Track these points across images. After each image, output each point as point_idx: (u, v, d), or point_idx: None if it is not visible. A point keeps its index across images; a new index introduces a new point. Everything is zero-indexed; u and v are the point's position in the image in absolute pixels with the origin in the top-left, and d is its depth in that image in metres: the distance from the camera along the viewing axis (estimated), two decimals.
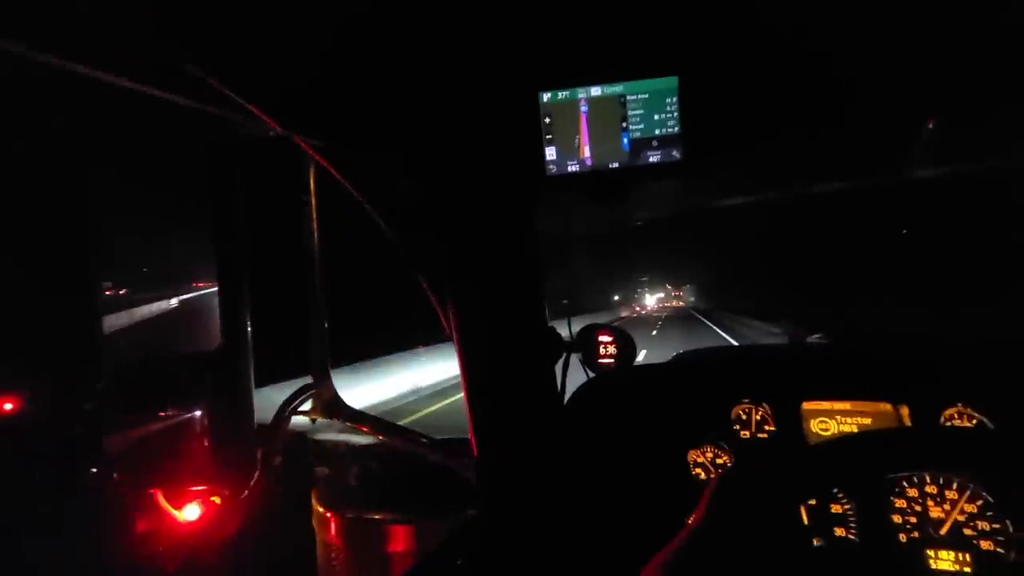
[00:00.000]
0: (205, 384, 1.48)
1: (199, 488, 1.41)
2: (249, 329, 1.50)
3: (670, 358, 1.62)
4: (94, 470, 1.60)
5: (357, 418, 1.50)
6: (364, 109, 0.90)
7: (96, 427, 1.67)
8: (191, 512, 1.41)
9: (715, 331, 17.58)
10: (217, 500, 1.44)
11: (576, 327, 1.16)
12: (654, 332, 19.48)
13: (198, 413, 1.50)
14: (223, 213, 1.51)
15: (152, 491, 1.42)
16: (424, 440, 1.37)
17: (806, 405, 0.97)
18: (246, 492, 1.43)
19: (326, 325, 1.67)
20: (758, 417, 1.00)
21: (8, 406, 2.19)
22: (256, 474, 1.44)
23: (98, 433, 1.59)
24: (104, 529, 1.49)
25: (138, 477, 1.44)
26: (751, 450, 0.98)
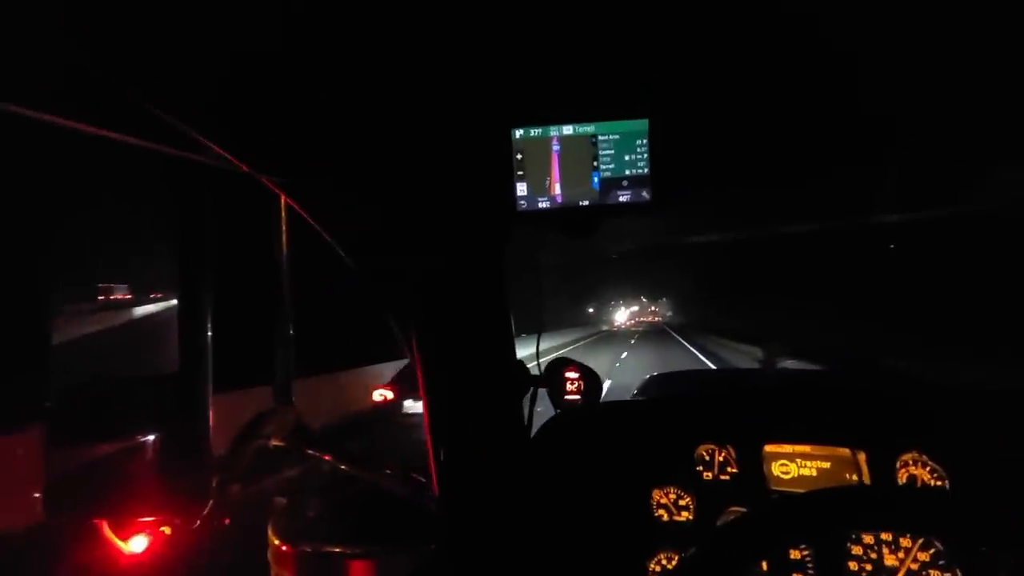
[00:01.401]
0: (160, 407, 1.41)
1: (147, 519, 1.34)
2: (210, 351, 1.45)
3: (644, 379, 1.63)
4: (36, 495, 1.50)
5: (319, 445, 1.46)
6: (333, 144, 0.88)
7: (41, 449, 1.57)
8: (137, 543, 1.34)
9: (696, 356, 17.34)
10: (167, 530, 1.37)
11: (558, 341, 1.16)
12: (624, 355, 18.92)
13: (150, 438, 1.43)
14: (189, 228, 1.46)
15: (96, 521, 1.34)
16: (389, 472, 1.33)
17: (768, 448, 0.98)
18: (198, 522, 1.37)
19: (292, 346, 1.62)
20: (721, 458, 1.00)
21: None
22: (210, 503, 1.38)
23: (42, 457, 1.50)
24: (42, 562, 1.40)
25: (82, 506, 1.36)
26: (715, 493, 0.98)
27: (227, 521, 1.26)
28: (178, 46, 0.68)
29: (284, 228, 1.61)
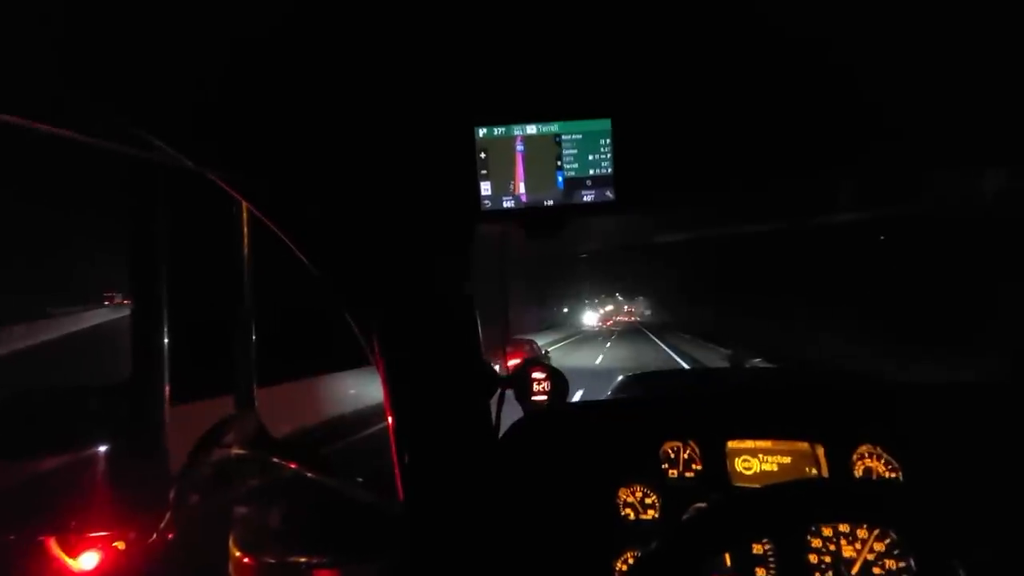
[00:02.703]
0: (113, 417, 1.35)
1: (99, 533, 1.27)
2: (165, 355, 1.39)
3: (618, 380, 1.64)
4: None
5: (283, 452, 1.41)
6: (289, 142, 0.85)
7: None
8: (88, 560, 1.27)
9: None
10: (120, 545, 1.31)
11: (545, 340, 1.15)
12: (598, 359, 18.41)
13: (102, 448, 1.37)
14: (143, 224, 1.39)
15: (43, 538, 1.27)
16: (354, 478, 1.30)
17: (731, 444, 0.99)
18: (154, 536, 1.31)
19: (253, 348, 1.57)
20: (686, 456, 1.01)
21: None
22: (167, 516, 1.32)
23: None
24: None
25: (26, 522, 1.29)
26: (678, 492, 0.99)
27: (170, 536, 1.21)
28: (129, 44, 0.65)
29: (245, 231, 1.56)
